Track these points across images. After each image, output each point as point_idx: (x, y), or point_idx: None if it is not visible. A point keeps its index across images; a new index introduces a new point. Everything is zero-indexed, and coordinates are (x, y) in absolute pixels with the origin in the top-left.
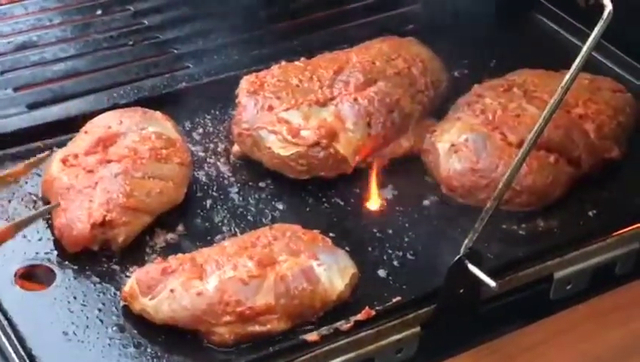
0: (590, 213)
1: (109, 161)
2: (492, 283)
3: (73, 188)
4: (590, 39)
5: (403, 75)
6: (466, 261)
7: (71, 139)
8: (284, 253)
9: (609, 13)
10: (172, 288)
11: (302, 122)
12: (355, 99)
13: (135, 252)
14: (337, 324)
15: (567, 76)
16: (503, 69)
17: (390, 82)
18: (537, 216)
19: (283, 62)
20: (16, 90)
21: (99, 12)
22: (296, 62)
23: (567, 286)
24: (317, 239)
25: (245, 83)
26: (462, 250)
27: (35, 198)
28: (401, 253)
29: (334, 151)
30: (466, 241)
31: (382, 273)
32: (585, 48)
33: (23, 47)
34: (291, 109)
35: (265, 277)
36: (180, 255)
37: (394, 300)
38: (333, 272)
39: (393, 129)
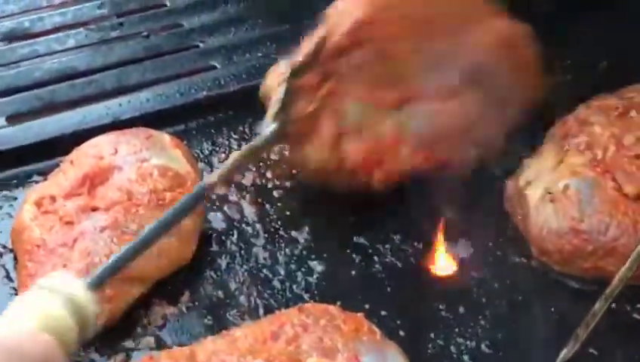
0: None
1: (94, 209)
2: None
3: (45, 245)
4: None
5: (499, 83)
6: None
7: (56, 165)
8: (314, 353)
9: None
10: None
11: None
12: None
13: (123, 332)
14: None
15: None
16: (618, 75)
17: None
18: None
19: None
20: None
21: None
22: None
23: None
24: (361, 329)
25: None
26: None
27: (1, 250)
28: (474, 344)
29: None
30: (564, 353)
31: None
32: None
33: (10, 35)
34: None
35: None
36: (176, 349)
37: None
38: None
39: (463, 155)
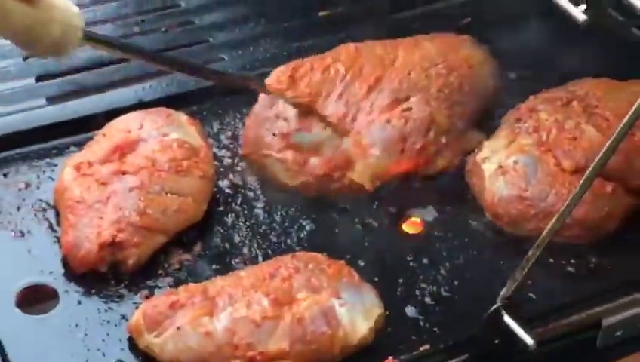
0: None
1: (124, 173)
2: (530, 340)
3: (84, 201)
4: None
5: (440, 85)
6: (503, 312)
7: (90, 138)
8: (304, 289)
9: None
10: (179, 325)
11: (313, 148)
12: (388, 121)
13: (147, 273)
14: None
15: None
16: (568, 74)
17: (426, 96)
18: (590, 251)
19: (328, 57)
20: (38, 79)
21: None
22: (339, 63)
23: (616, 332)
24: (342, 272)
25: (275, 77)
26: (499, 300)
27: (45, 206)
28: (435, 288)
29: (348, 182)
30: (504, 291)
31: (411, 311)
32: None
33: None
34: (304, 131)
35: (280, 319)
36: (191, 285)
37: (421, 349)
38: (356, 313)
39: (429, 151)
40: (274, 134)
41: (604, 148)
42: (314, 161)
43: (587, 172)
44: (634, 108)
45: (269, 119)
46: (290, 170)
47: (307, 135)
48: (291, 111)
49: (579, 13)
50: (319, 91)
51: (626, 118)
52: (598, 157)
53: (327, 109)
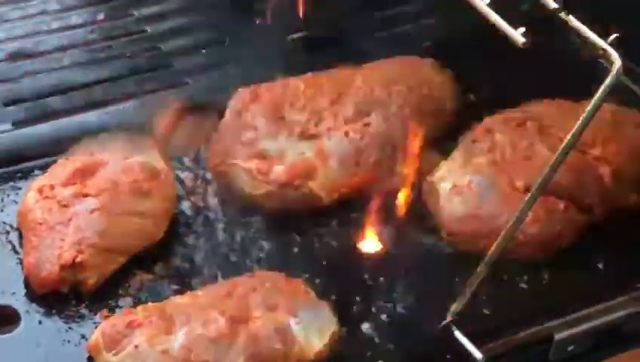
0: (599, 266)
1: (86, 195)
2: (479, 355)
3: (46, 223)
4: (597, 95)
5: (400, 103)
6: (453, 328)
7: (54, 162)
8: (260, 308)
9: (617, 70)
10: (137, 344)
11: (277, 156)
12: (346, 133)
13: (107, 293)
14: None
15: (575, 129)
16: (526, 94)
17: (385, 113)
18: (543, 268)
19: (288, 80)
20: (5, 105)
21: (101, 17)
22: (300, 81)
23: (568, 347)
24: (299, 291)
25: (238, 97)
26: (449, 315)
27: (9, 229)
28: (390, 306)
29: (308, 191)
30: (454, 306)
31: (367, 328)
32: (592, 104)
33: (16, 55)
34: (270, 139)
35: (235, 336)
36: (149, 304)
37: None
38: (311, 331)
39: (384, 166)
40: (242, 143)
41: (548, 166)
42: (277, 168)
43: (532, 189)
44: (576, 126)
45: (237, 130)
46: (254, 179)
47: (273, 142)
48: (259, 121)
49: (518, 35)
50: (282, 101)
51: (569, 136)
52: (542, 175)
53: (291, 116)
